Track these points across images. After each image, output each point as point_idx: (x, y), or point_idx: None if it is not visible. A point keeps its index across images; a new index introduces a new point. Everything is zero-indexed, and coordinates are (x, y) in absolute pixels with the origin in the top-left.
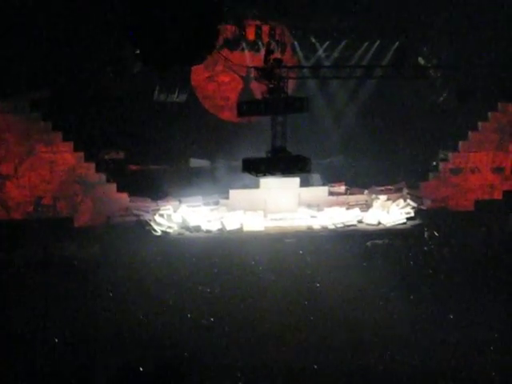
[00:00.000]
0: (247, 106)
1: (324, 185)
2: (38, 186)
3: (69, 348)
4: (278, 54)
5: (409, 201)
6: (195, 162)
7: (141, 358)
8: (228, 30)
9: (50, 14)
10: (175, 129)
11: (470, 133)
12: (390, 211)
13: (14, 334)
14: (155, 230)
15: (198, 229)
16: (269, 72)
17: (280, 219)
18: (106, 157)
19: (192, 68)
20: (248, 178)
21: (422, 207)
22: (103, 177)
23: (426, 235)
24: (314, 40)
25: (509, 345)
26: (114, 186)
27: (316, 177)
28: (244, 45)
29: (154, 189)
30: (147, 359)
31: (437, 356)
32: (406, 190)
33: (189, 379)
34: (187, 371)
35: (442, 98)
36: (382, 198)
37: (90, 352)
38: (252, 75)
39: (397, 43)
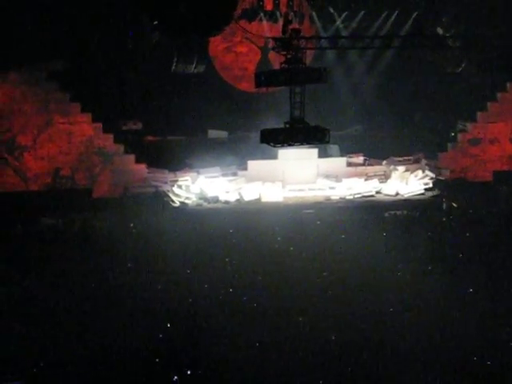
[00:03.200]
0: (265, 77)
1: (342, 156)
2: (56, 157)
3: (86, 317)
4: (296, 25)
5: (427, 171)
6: (213, 133)
7: (158, 328)
8: (246, 1)
9: None
10: (193, 100)
11: (488, 103)
12: (408, 182)
13: (33, 304)
14: (173, 201)
15: (216, 200)
16: (287, 42)
17: (298, 190)
18: (124, 128)
19: (210, 39)
20: (266, 149)
21: (441, 178)
22: (121, 148)
23: (444, 206)
24: (332, 10)
25: None
26: (132, 157)
27: (334, 147)
28: (262, 15)
29: (172, 160)
30: (164, 329)
31: (453, 329)
32: (424, 161)
33: (206, 349)
34: (204, 341)
35: (460, 69)
36: (401, 168)
37: (107, 322)
38: (270, 46)
39: (415, 13)
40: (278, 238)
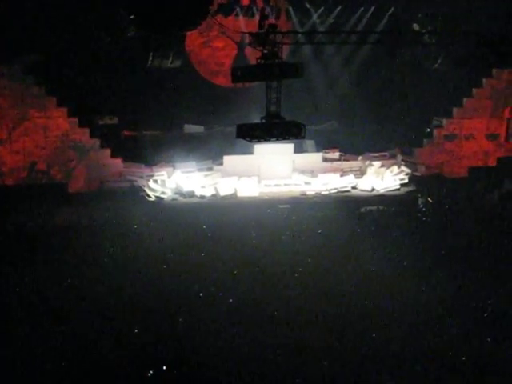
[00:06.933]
0: (241, 72)
1: (318, 151)
2: (31, 151)
3: (64, 315)
4: (272, 20)
5: (403, 167)
6: (189, 128)
7: (134, 323)
8: None
9: None
10: (169, 94)
11: (464, 99)
12: (383, 177)
13: (8, 303)
14: (149, 196)
15: (191, 194)
16: (263, 37)
17: (274, 185)
18: (100, 122)
19: (186, 33)
20: (242, 143)
21: (416, 174)
22: (97, 142)
23: (419, 202)
24: (308, 5)
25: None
26: (107, 152)
27: (310, 143)
28: (238, 10)
29: (148, 154)
30: (144, 326)
31: (429, 323)
32: (400, 157)
33: (181, 344)
34: (179, 336)
35: (436, 65)
36: (376, 164)
37: (84, 318)
38: (246, 41)
39: (391, 9)
40: (253, 234)
